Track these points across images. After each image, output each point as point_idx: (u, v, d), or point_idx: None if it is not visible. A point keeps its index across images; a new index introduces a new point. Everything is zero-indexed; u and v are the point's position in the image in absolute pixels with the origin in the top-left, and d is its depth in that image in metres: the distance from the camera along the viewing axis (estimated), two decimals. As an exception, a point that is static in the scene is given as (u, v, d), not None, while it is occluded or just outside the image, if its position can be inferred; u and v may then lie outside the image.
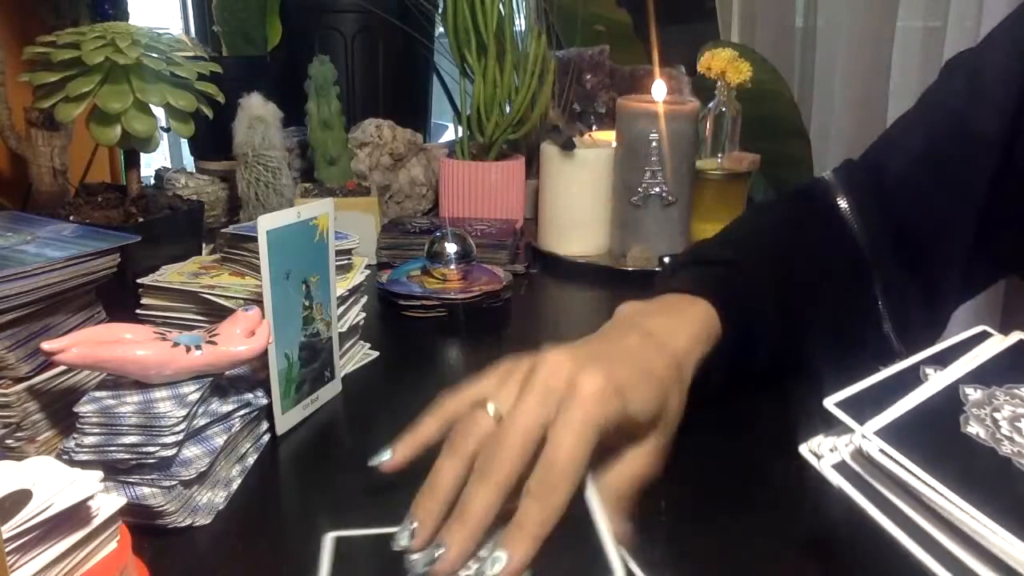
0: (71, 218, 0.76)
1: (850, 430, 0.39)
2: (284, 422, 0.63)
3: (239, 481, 0.57)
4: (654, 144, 0.97)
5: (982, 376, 0.42)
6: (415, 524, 0.45)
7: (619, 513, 0.48)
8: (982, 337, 0.46)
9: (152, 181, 1.15)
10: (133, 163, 0.82)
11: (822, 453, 0.39)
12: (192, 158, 1.26)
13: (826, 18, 1.64)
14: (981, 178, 0.68)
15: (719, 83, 1.11)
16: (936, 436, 0.38)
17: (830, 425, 0.41)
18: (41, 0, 1.01)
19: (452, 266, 0.89)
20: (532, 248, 1.07)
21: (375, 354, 0.78)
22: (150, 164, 1.28)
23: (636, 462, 0.50)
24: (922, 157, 0.71)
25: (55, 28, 0.76)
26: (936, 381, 0.42)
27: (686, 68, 1.26)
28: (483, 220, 1.07)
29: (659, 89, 0.99)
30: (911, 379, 0.42)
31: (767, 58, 1.48)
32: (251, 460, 0.60)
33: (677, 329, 0.56)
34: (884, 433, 0.38)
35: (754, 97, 1.18)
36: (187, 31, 1.49)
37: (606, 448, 0.48)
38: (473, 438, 0.46)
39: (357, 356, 0.77)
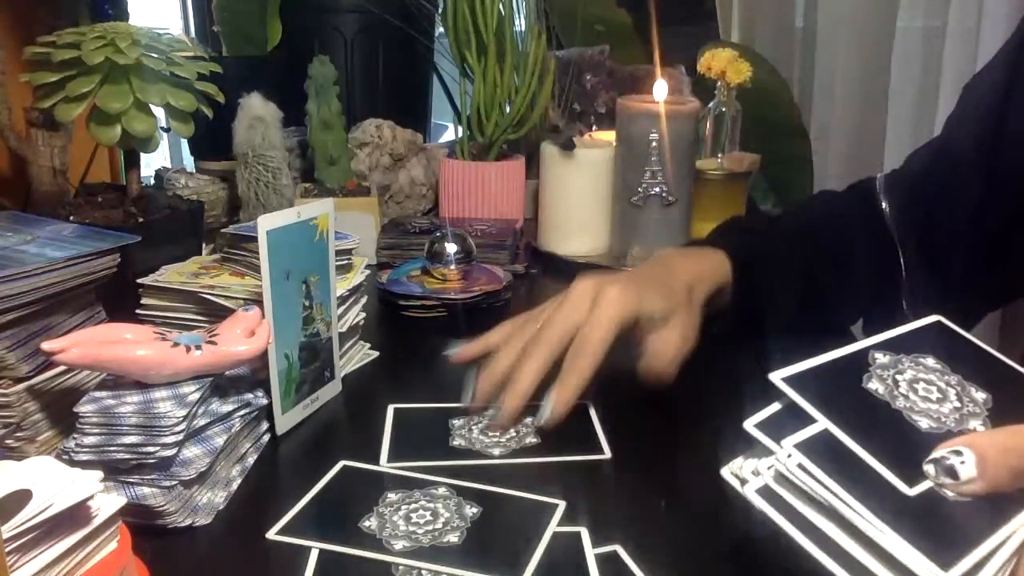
0: (71, 218, 0.76)
1: (770, 452, 0.40)
2: (284, 422, 0.63)
3: (239, 481, 0.57)
4: (654, 144, 0.97)
5: (894, 345, 0.45)
6: (474, 396, 0.63)
7: (667, 373, 0.63)
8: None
9: (152, 181, 1.15)
10: (133, 163, 0.82)
11: (745, 476, 0.41)
12: (192, 158, 1.26)
13: (826, 18, 1.63)
14: (968, 200, 0.69)
15: (719, 83, 1.11)
16: (837, 388, 0.42)
17: (750, 445, 0.42)
18: (41, 0, 1.01)
19: (452, 266, 0.89)
20: (532, 248, 1.07)
21: (375, 354, 0.78)
22: (150, 164, 1.28)
23: (665, 342, 0.63)
24: (931, 169, 0.75)
25: (55, 28, 0.76)
26: (850, 346, 0.45)
27: (686, 68, 1.26)
28: (483, 220, 1.07)
29: (659, 89, 0.99)
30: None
31: (767, 58, 1.48)
32: (251, 460, 0.60)
33: (690, 265, 0.69)
34: (802, 441, 0.40)
35: (754, 97, 1.18)
36: (187, 31, 1.49)
37: (639, 342, 0.64)
38: (523, 336, 0.63)
39: (357, 356, 0.77)
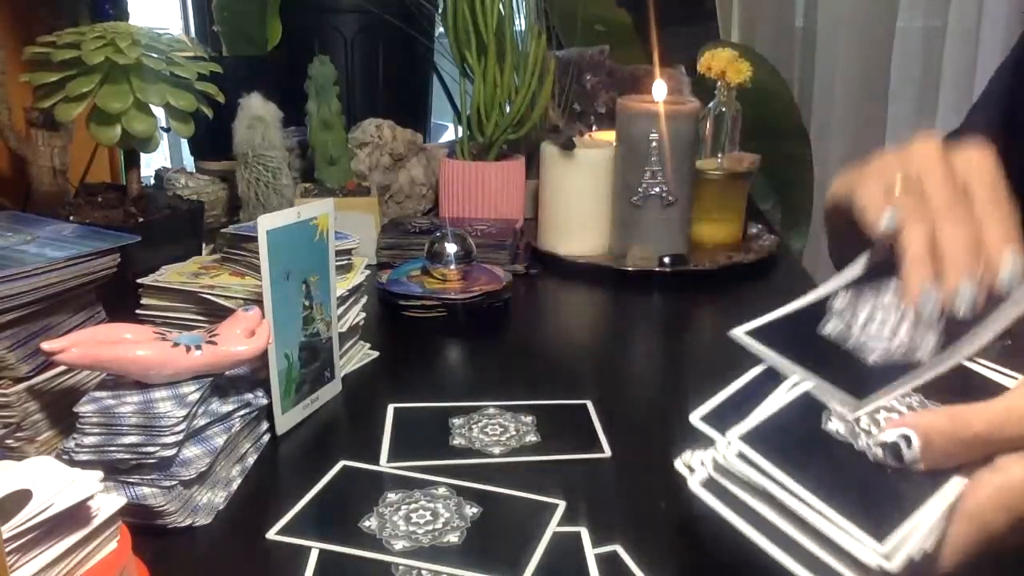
0: (71, 218, 0.76)
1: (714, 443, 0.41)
2: (284, 422, 0.63)
3: (239, 481, 0.57)
4: (654, 144, 0.97)
5: (859, 283, 0.47)
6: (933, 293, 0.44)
7: None
8: None
9: (152, 181, 1.15)
10: (133, 163, 0.82)
11: (694, 467, 0.42)
12: (192, 158, 1.26)
13: (826, 18, 1.64)
14: None
15: (719, 83, 1.11)
16: (794, 336, 0.43)
17: (701, 437, 0.43)
18: (41, 0, 1.01)
19: (452, 266, 0.89)
20: (532, 248, 1.07)
21: (375, 354, 0.78)
22: (150, 164, 1.28)
23: None
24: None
25: (55, 28, 0.76)
26: (815, 291, 0.46)
27: (686, 68, 1.26)
28: (483, 220, 1.07)
29: (659, 89, 0.99)
30: (771, 386, 0.44)
31: (767, 58, 1.48)
32: (251, 460, 0.60)
33: None
34: (748, 430, 0.40)
35: (754, 97, 1.17)
36: (187, 31, 1.49)
37: None
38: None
39: (357, 356, 0.77)
